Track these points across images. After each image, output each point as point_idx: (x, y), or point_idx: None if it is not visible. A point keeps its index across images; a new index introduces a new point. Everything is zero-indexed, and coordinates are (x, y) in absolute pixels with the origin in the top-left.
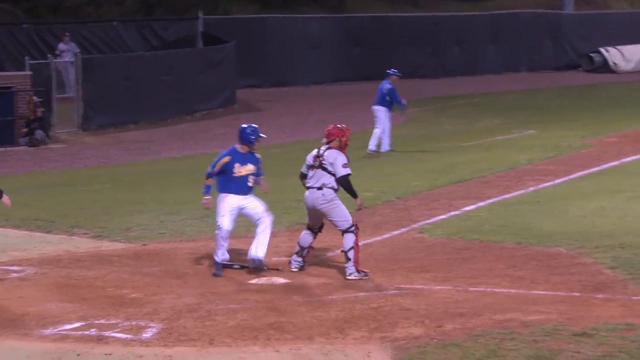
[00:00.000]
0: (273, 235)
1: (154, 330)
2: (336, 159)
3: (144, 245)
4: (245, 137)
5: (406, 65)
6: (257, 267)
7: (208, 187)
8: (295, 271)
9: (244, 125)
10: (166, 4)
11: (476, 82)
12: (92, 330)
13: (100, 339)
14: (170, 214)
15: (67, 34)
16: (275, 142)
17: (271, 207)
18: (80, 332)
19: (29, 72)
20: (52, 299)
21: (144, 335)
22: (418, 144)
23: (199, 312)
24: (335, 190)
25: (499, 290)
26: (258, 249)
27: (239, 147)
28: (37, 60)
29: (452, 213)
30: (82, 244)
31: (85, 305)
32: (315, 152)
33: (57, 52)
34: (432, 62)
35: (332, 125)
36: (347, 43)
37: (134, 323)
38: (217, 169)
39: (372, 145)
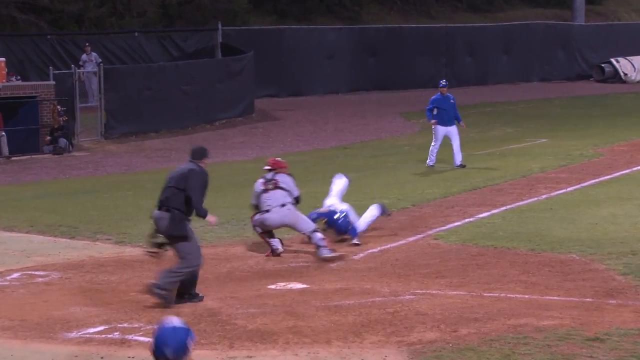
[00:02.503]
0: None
1: None
2: (291, 180)
3: (166, 251)
4: None
5: (420, 75)
6: None
7: None
8: (281, 250)
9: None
10: (186, 15)
11: (488, 92)
12: (115, 333)
13: (123, 342)
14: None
15: (87, 44)
16: (292, 150)
17: None
18: (103, 336)
19: (52, 82)
20: (76, 303)
21: None
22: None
23: (220, 316)
24: (292, 205)
25: (513, 295)
26: None
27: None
28: (60, 70)
29: (466, 220)
30: (105, 250)
31: (108, 309)
32: (262, 179)
33: (80, 63)
34: (445, 72)
35: (273, 159)
36: (363, 53)
37: (155, 327)
38: None
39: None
